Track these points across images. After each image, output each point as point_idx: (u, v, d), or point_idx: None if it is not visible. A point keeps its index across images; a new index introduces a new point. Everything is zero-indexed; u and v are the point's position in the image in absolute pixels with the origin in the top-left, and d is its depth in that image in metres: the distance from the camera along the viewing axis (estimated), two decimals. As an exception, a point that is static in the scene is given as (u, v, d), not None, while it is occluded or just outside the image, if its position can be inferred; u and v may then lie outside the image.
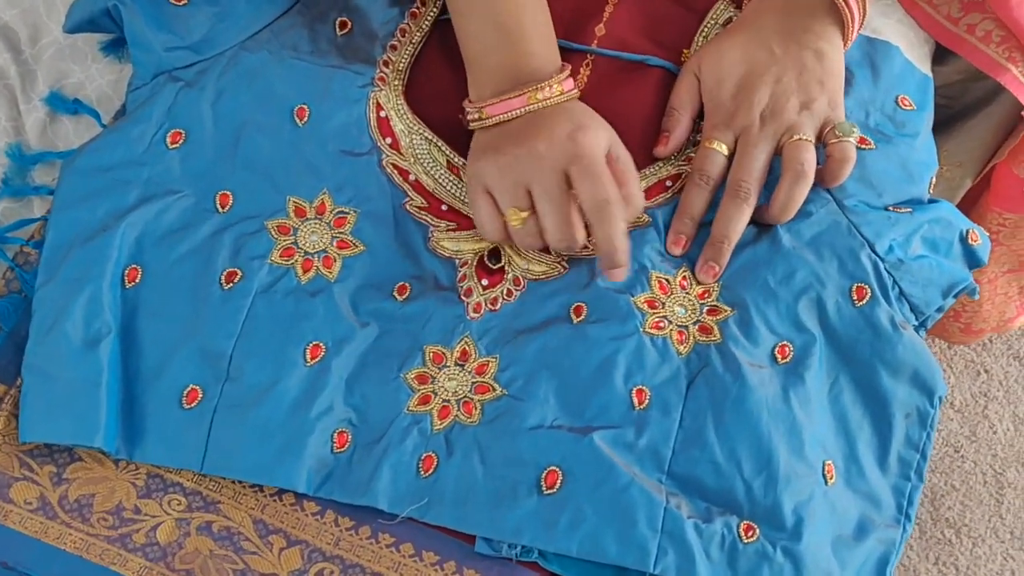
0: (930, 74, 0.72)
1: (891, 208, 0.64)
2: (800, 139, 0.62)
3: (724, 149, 0.63)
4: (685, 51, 0.69)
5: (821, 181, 0.63)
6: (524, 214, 0.60)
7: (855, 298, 0.61)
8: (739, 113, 0.63)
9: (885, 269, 0.62)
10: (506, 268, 0.64)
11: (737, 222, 0.61)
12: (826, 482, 0.59)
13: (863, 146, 0.65)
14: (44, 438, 0.58)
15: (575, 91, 0.63)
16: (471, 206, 0.63)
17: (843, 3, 0.63)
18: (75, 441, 0.58)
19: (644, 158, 0.65)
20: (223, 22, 0.66)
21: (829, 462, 0.59)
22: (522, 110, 0.61)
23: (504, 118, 0.62)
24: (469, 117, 0.63)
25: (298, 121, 0.65)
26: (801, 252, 0.62)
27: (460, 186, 0.65)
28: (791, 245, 0.62)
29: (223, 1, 0.67)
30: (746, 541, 0.56)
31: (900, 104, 0.68)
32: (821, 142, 0.63)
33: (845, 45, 0.65)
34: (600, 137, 0.60)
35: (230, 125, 0.65)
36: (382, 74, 0.66)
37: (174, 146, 0.65)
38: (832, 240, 0.62)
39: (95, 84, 0.69)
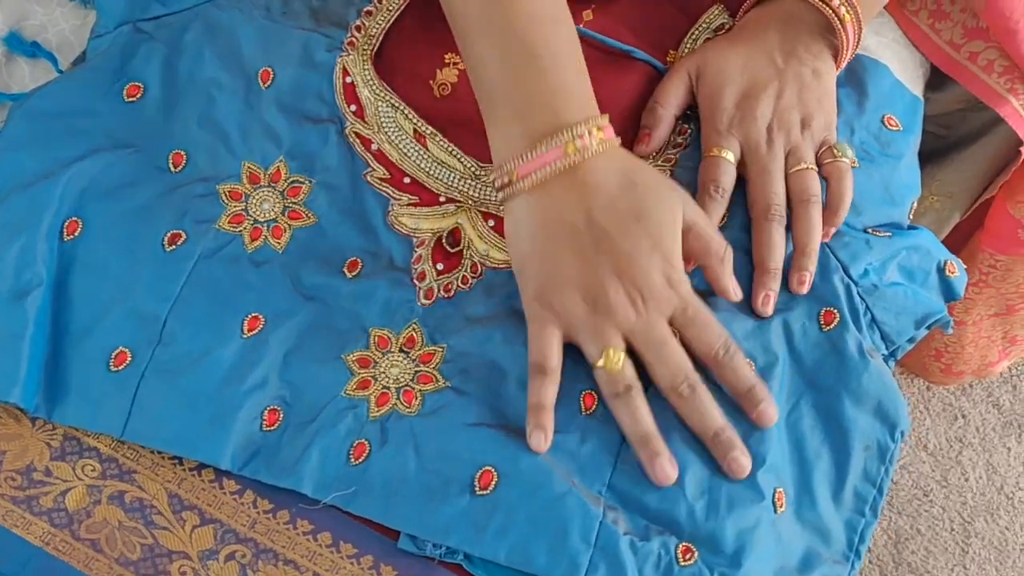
0: (921, 96, 0.69)
1: (870, 230, 0.62)
2: (804, 169, 0.61)
3: (731, 157, 0.61)
4: (672, 51, 0.67)
5: (826, 213, 0.61)
6: (622, 355, 0.53)
7: (822, 322, 0.59)
8: (744, 122, 0.61)
9: (858, 294, 0.59)
10: (464, 252, 0.61)
11: (781, 246, 0.59)
12: (775, 510, 0.56)
13: (849, 165, 0.63)
14: (-43, 388, 0.55)
15: (617, 140, 0.55)
16: (531, 334, 0.54)
17: (840, 27, 0.62)
18: (-10, 394, 0.55)
19: None
20: (194, -25, 0.64)
21: (780, 490, 0.56)
22: (558, 164, 0.53)
23: (538, 178, 0.53)
24: (497, 184, 0.55)
25: (261, 84, 0.62)
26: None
27: (425, 156, 0.62)
28: None
29: (196, -47, 0.64)
30: (683, 564, 0.53)
31: (886, 124, 0.66)
32: (817, 162, 0.62)
33: (837, 68, 0.64)
34: (676, 246, 0.54)
35: (191, 83, 0.62)
36: (352, 38, 0.64)
37: (131, 99, 0.62)
38: None
39: (57, 28, 0.66)
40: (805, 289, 0.59)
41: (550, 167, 0.53)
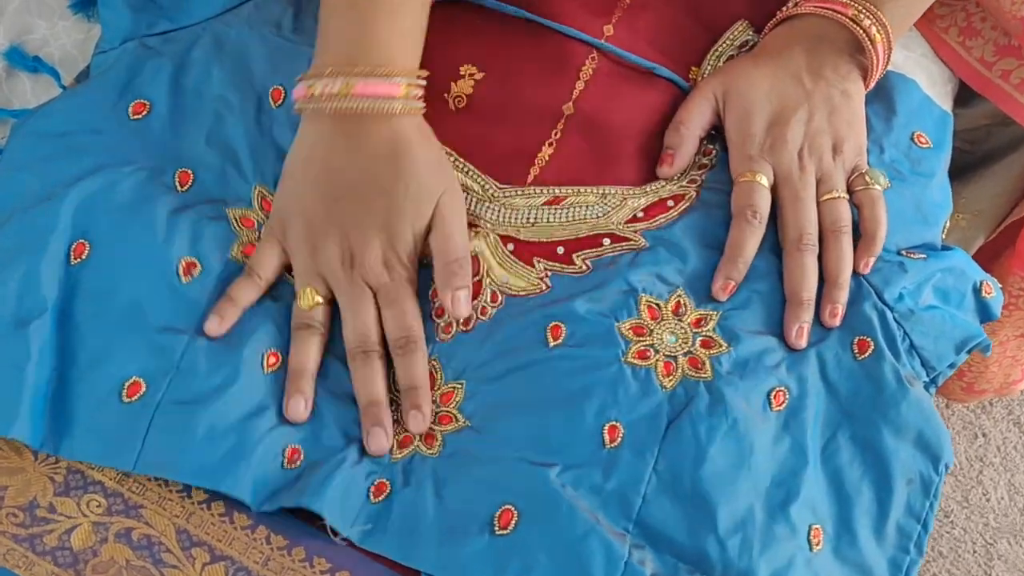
0: (951, 112, 0.67)
1: (904, 252, 0.60)
2: (836, 198, 0.59)
3: (766, 182, 0.59)
4: (694, 68, 0.65)
5: (861, 243, 0.59)
6: (319, 299, 0.56)
7: (856, 351, 0.57)
8: (775, 148, 0.60)
9: (894, 319, 0.57)
10: (483, 282, 0.58)
11: (814, 275, 0.58)
12: (811, 548, 0.53)
13: (878, 185, 0.61)
14: (-45, 423, 0.52)
15: (419, 104, 0.56)
16: (260, 240, 0.57)
17: (870, 47, 0.60)
18: (-10, 429, 0.53)
19: (643, 169, 0.61)
20: (202, -10, 0.62)
21: (816, 526, 0.54)
22: (335, 104, 0.55)
23: (311, 108, 0.56)
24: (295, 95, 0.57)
25: (272, 103, 0.60)
26: None
27: None
28: None
29: (205, -33, 0.62)
30: (713, 606, 0.51)
31: (916, 141, 0.64)
32: (848, 189, 0.60)
33: (866, 87, 0.62)
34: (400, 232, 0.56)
35: (199, 101, 0.60)
36: None
37: (136, 116, 0.60)
38: None
39: (59, 42, 0.64)
40: (837, 322, 0.57)
41: (331, 104, 0.55)
